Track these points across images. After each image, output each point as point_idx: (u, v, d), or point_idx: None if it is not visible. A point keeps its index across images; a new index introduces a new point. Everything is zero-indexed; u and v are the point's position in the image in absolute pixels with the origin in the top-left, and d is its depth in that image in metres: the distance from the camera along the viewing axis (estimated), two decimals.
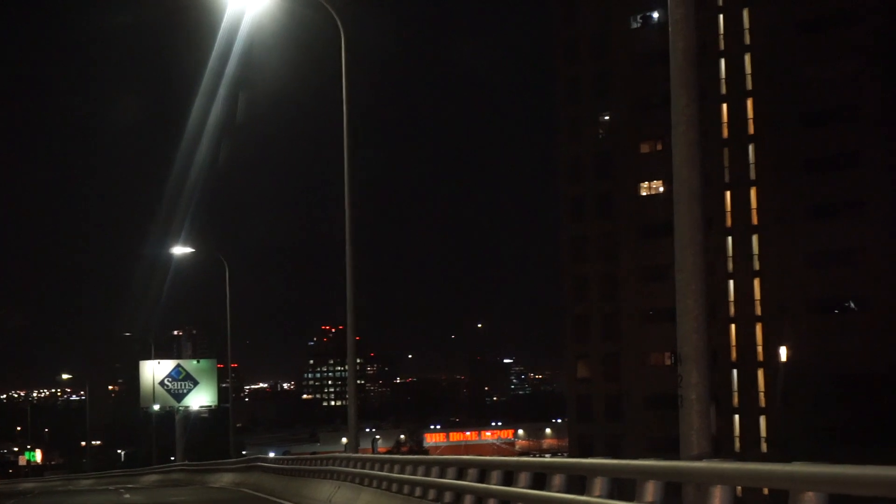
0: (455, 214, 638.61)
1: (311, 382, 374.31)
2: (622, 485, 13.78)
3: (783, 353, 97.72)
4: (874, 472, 8.29)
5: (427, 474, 22.62)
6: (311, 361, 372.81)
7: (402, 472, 24.90)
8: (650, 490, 12.39)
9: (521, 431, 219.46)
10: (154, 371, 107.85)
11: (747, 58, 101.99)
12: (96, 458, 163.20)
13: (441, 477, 21.41)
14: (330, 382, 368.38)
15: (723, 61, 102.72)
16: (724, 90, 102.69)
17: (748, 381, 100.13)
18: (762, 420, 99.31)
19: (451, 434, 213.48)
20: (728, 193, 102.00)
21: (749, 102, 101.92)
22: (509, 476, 17.53)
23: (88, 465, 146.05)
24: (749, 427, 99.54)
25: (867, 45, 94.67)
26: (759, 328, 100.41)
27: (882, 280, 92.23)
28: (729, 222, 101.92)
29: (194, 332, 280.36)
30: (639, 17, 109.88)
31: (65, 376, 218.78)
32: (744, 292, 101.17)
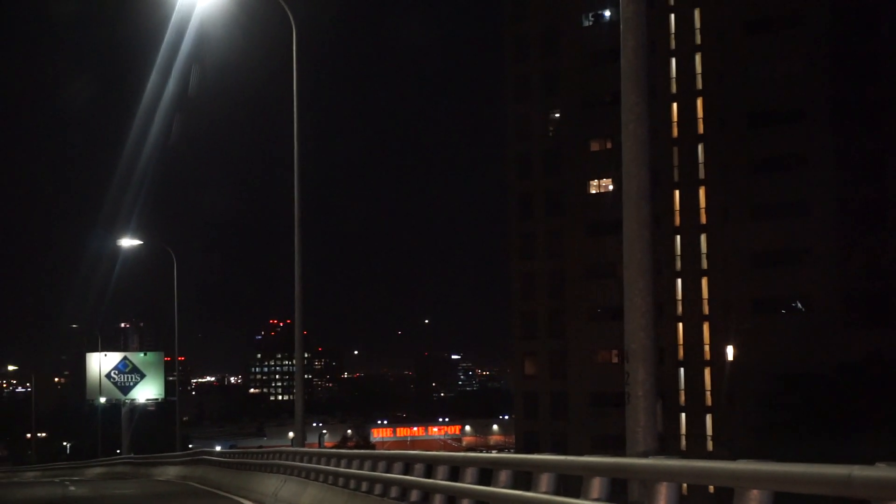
0: (404, 209, 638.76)
1: (258, 376, 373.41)
2: (568, 481, 13.79)
3: (730, 352, 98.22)
4: (817, 471, 8.37)
5: (374, 469, 22.59)
6: (259, 355, 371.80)
7: (348, 466, 24.84)
8: (596, 487, 12.40)
9: (468, 427, 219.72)
10: (101, 363, 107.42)
11: (697, 57, 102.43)
12: (41, 450, 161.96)
13: (387, 472, 21.40)
14: (277, 377, 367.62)
15: (673, 60, 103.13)
16: (674, 89, 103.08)
17: (695, 380, 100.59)
18: (708, 418, 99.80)
19: (397, 429, 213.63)
20: (677, 192, 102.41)
21: (699, 102, 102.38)
22: (455, 472, 17.53)
23: (33, 458, 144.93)
24: (695, 425, 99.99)
25: (814, 45, 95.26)
26: (706, 327, 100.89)
27: (825, 280, 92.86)
28: (677, 221, 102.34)
29: (141, 324, 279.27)
30: (590, 14, 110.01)
31: (10, 368, 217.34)
32: (691, 291, 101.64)
